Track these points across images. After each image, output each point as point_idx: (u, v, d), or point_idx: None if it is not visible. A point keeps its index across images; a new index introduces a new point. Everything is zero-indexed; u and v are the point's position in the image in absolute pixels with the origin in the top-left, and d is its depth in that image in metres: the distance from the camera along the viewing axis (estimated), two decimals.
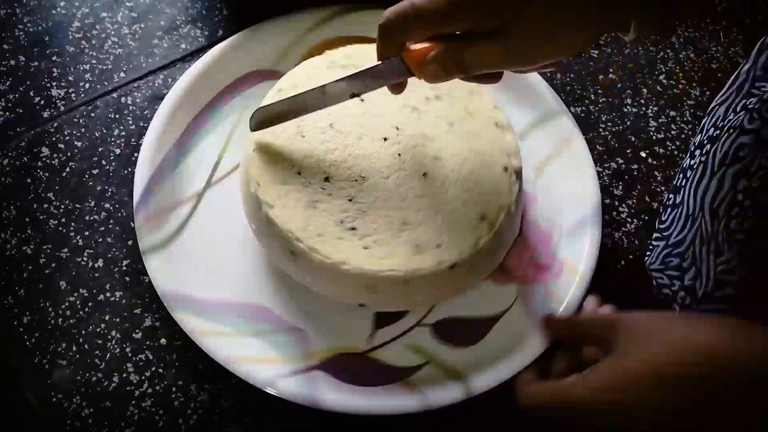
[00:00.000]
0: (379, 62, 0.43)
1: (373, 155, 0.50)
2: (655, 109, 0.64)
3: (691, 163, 0.50)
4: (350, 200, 0.48)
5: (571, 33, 0.38)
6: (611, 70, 0.66)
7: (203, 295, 0.50)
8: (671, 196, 0.52)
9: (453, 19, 0.39)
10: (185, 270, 0.51)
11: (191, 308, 0.49)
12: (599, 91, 0.65)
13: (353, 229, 0.47)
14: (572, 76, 0.65)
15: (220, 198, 0.54)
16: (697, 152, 0.50)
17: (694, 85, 0.66)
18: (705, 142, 0.49)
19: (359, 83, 0.44)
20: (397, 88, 0.45)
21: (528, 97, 0.60)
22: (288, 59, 0.60)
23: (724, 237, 0.43)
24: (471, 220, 0.48)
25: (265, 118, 0.49)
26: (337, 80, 0.45)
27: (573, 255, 0.54)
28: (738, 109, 0.48)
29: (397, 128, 0.51)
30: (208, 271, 0.51)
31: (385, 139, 0.50)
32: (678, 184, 0.51)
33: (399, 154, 0.50)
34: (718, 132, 0.48)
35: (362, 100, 0.51)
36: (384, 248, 0.47)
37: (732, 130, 0.45)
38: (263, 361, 0.48)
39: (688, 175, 0.50)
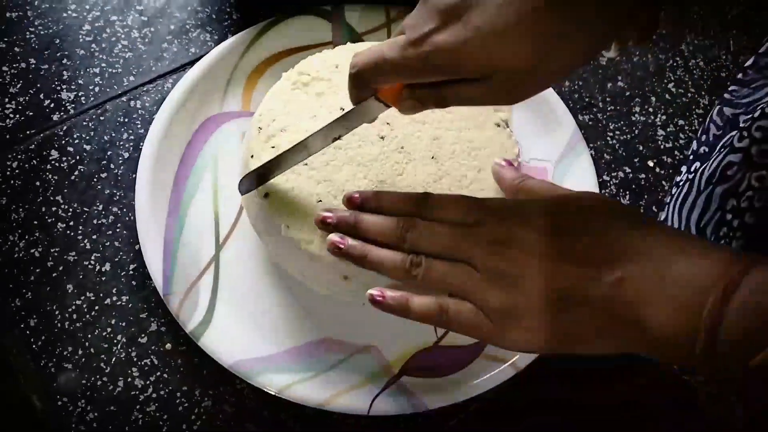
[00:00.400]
0: (355, 106, 0.43)
1: (380, 157, 0.50)
2: (664, 117, 0.64)
3: (677, 180, 0.50)
4: None
5: (552, 71, 0.37)
6: (620, 78, 0.66)
7: (268, 352, 0.50)
8: (659, 212, 0.52)
9: (426, 74, 0.38)
10: (240, 335, 0.50)
11: (266, 369, 0.48)
12: (607, 98, 0.65)
13: None
14: (580, 83, 0.65)
15: (235, 253, 0.54)
16: (684, 168, 0.50)
17: (702, 93, 0.66)
18: (691, 158, 0.49)
19: (339, 128, 0.45)
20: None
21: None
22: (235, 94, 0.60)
23: None
24: (491, 182, 0.50)
25: (252, 182, 0.48)
26: (317, 132, 0.45)
27: (573, 182, 0.56)
28: (716, 118, 0.47)
29: (388, 123, 0.52)
30: (260, 327, 0.51)
31: (382, 137, 0.51)
32: (666, 200, 0.51)
33: (402, 147, 0.51)
34: (706, 149, 0.48)
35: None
36: None
37: (723, 149, 0.45)
38: (352, 389, 0.48)
39: (673, 192, 0.50)
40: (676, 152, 0.62)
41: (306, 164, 0.49)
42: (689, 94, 0.65)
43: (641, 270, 0.36)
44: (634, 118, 0.64)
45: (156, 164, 0.54)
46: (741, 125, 0.45)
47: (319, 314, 0.51)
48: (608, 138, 0.62)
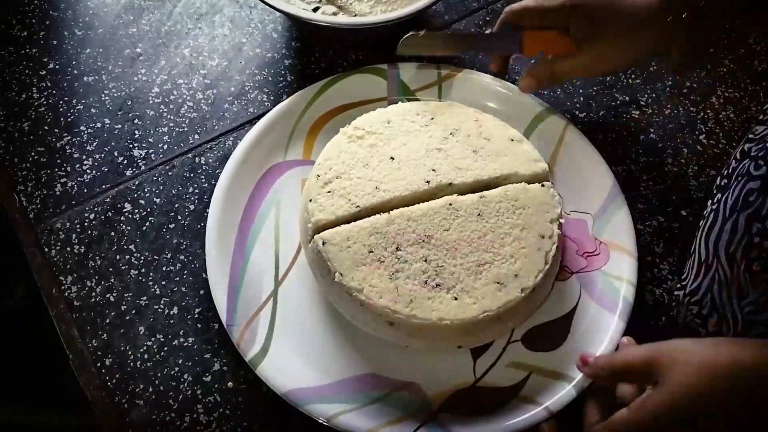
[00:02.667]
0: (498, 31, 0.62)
1: (429, 212, 0.55)
2: (696, 168, 0.67)
3: (703, 213, 0.53)
4: (426, 261, 0.52)
5: (631, 51, 0.58)
6: (652, 130, 0.69)
7: (318, 383, 0.53)
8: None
9: (560, 18, 0.58)
10: (293, 365, 0.54)
11: (314, 399, 0.52)
12: (640, 150, 0.68)
13: (438, 285, 0.52)
14: (613, 135, 0.68)
15: (292, 288, 0.58)
16: (708, 202, 0.53)
17: (734, 144, 0.68)
18: (715, 192, 0.52)
19: (475, 42, 0.64)
20: (503, 67, 0.65)
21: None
22: (297, 145, 0.65)
23: (747, 279, 0.46)
24: (533, 241, 0.54)
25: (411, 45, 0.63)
26: (455, 35, 0.63)
27: (612, 234, 0.60)
28: (738, 155, 0.51)
29: (433, 170, 0.57)
30: (311, 359, 0.55)
31: (428, 182, 0.56)
32: None
33: (450, 204, 0.55)
34: (726, 181, 0.51)
35: (392, 158, 0.57)
36: (472, 294, 0.52)
37: (740, 177, 0.48)
38: (394, 423, 0.52)
39: (700, 224, 0.53)
40: (708, 202, 0.65)
41: (358, 211, 0.55)
42: (720, 145, 0.68)
43: None
44: (666, 169, 0.67)
45: (224, 209, 0.60)
46: (752, 154, 0.49)
47: (365, 350, 0.55)
48: (641, 188, 0.65)
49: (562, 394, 0.52)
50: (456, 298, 0.51)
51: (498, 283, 0.52)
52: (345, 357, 0.55)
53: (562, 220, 0.56)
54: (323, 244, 0.53)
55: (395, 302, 0.51)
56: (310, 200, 0.56)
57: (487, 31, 0.63)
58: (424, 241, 0.53)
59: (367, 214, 0.55)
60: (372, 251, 0.52)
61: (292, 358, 0.54)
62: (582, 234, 0.61)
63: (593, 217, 0.61)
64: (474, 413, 0.52)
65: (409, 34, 0.59)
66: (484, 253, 0.53)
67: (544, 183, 0.57)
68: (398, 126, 0.60)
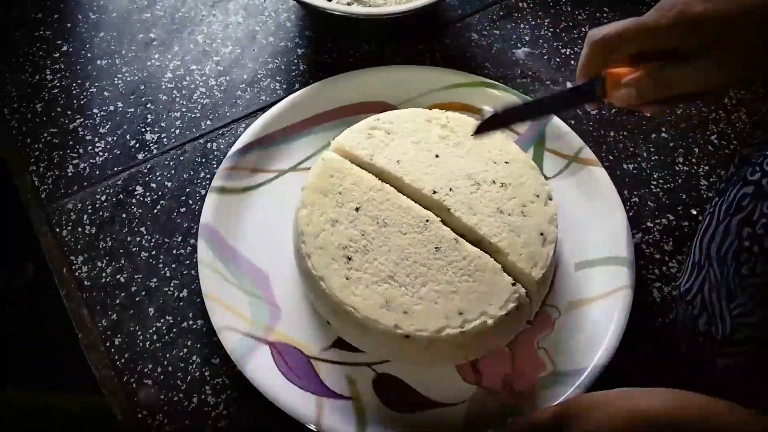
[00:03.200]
0: (580, 84, 0.50)
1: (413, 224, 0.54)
2: (707, 168, 0.67)
3: (699, 218, 0.53)
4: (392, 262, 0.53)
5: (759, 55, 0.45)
6: (663, 129, 0.69)
7: (234, 244, 0.58)
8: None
9: (674, 37, 0.45)
10: (238, 222, 0.59)
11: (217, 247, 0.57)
12: (651, 149, 0.68)
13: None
14: (625, 133, 0.68)
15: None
16: (708, 205, 0.53)
17: (744, 145, 0.68)
18: (713, 195, 0.53)
19: (558, 104, 0.53)
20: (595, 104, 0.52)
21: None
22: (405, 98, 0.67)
23: (736, 282, 0.46)
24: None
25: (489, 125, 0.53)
26: (536, 101, 0.54)
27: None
28: (737, 160, 0.52)
29: (450, 189, 0.56)
30: (255, 235, 0.59)
31: (435, 192, 0.55)
32: None
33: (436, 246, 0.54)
34: (724, 185, 0.52)
35: (404, 153, 0.58)
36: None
37: (737, 182, 0.48)
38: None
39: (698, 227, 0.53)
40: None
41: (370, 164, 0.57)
42: (731, 146, 0.68)
43: None
44: (677, 168, 0.67)
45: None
46: (752, 160, 0.49)
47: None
48: (652, 186, 0.65)
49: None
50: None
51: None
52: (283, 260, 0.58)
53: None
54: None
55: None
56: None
57: (565, 87, 0.58)
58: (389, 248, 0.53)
59: (375, 171, 0.57)
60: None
61: (240, 217, 0.60)
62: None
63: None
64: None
65: (488, 116, 0.52)
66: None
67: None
68: (453, 134, 0.59)
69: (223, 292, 0.56)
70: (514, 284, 0.52)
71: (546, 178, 0.62)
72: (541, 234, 0.55)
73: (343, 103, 0.67)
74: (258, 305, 0.56)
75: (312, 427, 0.50)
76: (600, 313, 0.56)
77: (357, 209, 0.54)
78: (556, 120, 0.65)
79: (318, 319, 0.56)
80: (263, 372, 0.53)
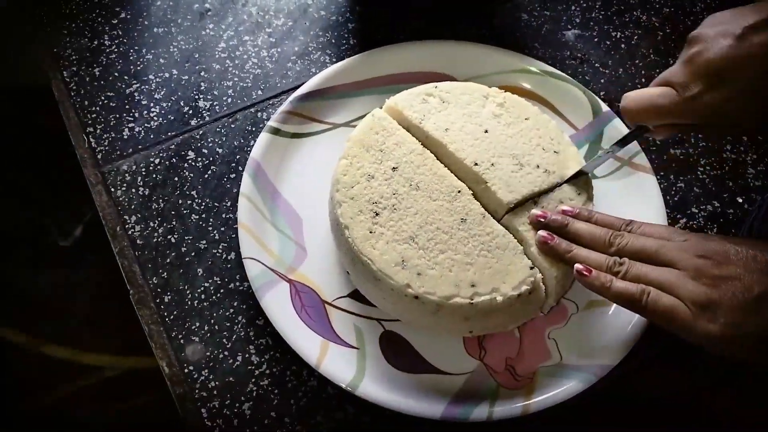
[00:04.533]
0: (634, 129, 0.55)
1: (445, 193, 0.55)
2: (755, 156, 0.66)
3: (746, 206, 0.54)
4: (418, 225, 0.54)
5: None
6: None
7: (277, 184, 0.62)
8: None
9: (688, 120, 0.51)
10: (285, 164, 0.63)
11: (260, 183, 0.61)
12: (699, 135, 0.67)
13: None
14: None
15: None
16: (754, 195, 0.54)
17: None
18: None
19: (618, 145, 0.57)
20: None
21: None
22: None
23: None
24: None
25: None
26: (605, 152, 0.58)
27: None
28: None
29: (492, 164, 0.56)
30: (299, 180, 0.63)
31: (476, 164, 0.56)
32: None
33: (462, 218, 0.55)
34: None
35: (484, 129, 0.58)
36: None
37: None
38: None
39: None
40: (765, 191, 0.64)
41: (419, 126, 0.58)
42: None
43: None
44: (725, 155, 0.66)
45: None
46: None
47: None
48: (699, 172, 0.65)
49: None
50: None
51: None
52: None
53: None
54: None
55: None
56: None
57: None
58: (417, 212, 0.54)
59: (421, 135, 0.58)
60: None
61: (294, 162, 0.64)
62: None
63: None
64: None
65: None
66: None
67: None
68: (507, 114, 0.60)
69: (256, 225, 0.59)
70: (532, 268, 0.52)
71: (595, 177, 0.62)
72: None
73: (410, 69, 0.68)
74: (287, 244, 0.59)
75: (313, 366, 0.53)
76: (618, 317, 0.56)
77: (394, 168, 0.55)
78: (616, 121, 0.65)
79: (339, 268, 0.58)
80: (278, 306, 0.55)
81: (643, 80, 0.70)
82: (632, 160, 0.63)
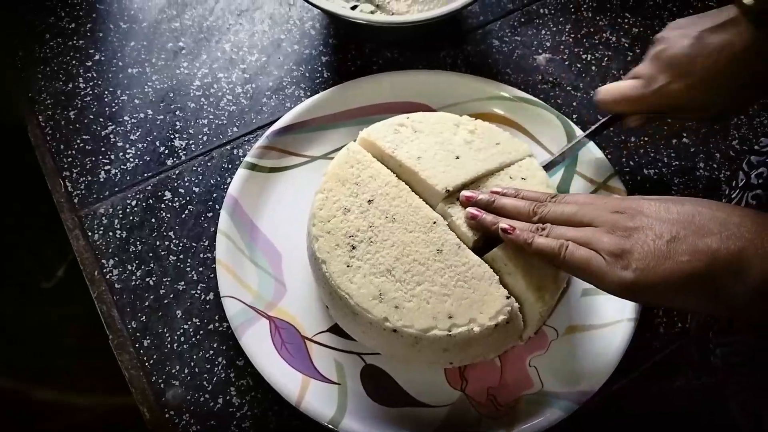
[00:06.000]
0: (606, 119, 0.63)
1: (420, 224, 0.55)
2: (728, 173, 0.67)
3: None
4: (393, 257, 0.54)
5: (738, 108, 0.64)
6: (685, 134, 0.69)
7: (255, 220, 0.62)
8: None
9: (656, 110, 0.59)
10: (263, 199, 0.63)
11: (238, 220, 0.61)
12: (672, 154, 0.68)
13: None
14: (646, 139, 0.69)
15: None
16: None
17: None
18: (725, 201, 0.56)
19: (595, 132, 0.64)
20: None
21: None
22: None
23: None
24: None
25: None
26: (588, 133, 0.63)
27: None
28: (745, 166, 0.58)
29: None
30: (277, 215, 0.63)
31: (448, 191, 0.56)
32: None
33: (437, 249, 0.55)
34: (734, 192, 0.57)
35: (456, 156, 0.58)
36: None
37: (745, 188, 0.55)
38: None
39: None
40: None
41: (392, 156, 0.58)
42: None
43: (746, 225, 0.42)
44: (698, 173, 0.67)
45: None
46: (757, 166, 0.56)
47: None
48: (673, 191, 0.66)
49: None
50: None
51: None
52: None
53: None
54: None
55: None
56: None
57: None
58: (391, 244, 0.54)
59: (394, 165, 0.58)
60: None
61: (269, 193, 0.64)
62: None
63: None
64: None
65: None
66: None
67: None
68: (479, 140, 0.60)
69: (234, 262, 0.59)
70: (508, 297, 0.52)
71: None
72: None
73: (385, 100, 0.69)
74: (266, 280, 0.60)
75: (293, 404, 0.53)
76: (598, 342, 0.56)
77: (370, 201, 0.56)
78: (591, 145, 0.65)
79: (319, 303, 0.58)
80: (258, 344, 0.55)
81: None
82: (607, 183, 0.64)
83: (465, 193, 0.55)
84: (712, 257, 0.41)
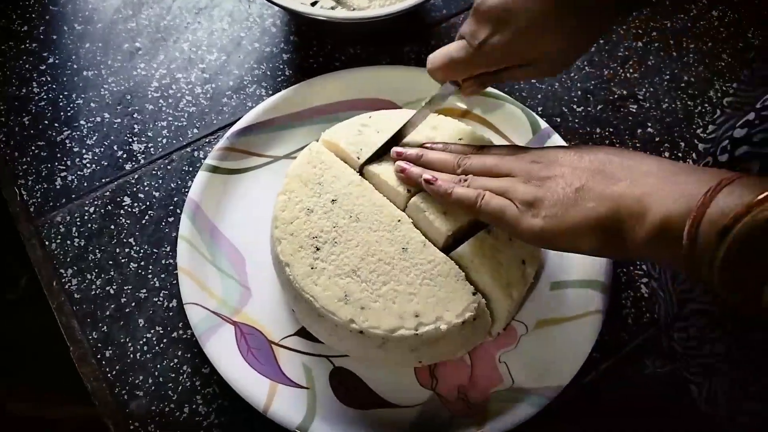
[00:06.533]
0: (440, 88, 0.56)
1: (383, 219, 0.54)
2: (692, 162, 0.67)
3: None
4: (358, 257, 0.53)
5: (572, 53, 0.53)
6: (649, 124, 0.69)
7: (217, 223, 0.61)
8: None
9: (485, 67, 0.53)
10: (225, 202, 0.62)
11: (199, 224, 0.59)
12: (637, 144, 0.68)
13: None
14: (611, 129, 0.69)
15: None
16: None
17: None
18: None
19: (429, 108, 0.57)
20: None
21: None
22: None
23: None
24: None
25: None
26: (416, 115, 0.57)
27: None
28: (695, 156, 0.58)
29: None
30: (239, 217, 0.62)
31: (408, 191, 0.55)
32: None
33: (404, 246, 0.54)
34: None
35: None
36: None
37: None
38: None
39: None
40: None
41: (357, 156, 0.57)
42: None
43: (653, 173, 0.43)
44: None
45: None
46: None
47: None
48: None
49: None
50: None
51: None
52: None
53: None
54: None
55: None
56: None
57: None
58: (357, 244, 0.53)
59: (357, 166, 0.57)
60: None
61: (229, 197, 0.63)
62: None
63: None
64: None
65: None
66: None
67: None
68: (441, 137, 0.59)
69: (197, 268, 0.58)
70: (474, 293, 0.51)
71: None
72: (523, 262, 0.53)
73: (348, 97, 0.68)
74: (230, 285, 0.58)
75: (260, 410, 0.52)
76: (567, 335, 0.56)
77: (333, 201, 0.55)
78: (556, 137, 0.65)
79: (285, 306, 0.57)
80: (223, 351, 0.54)
81: (579, 93, 0.71)
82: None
83: (396, 149, 0.56)
84: (616, 203, 0.42)
